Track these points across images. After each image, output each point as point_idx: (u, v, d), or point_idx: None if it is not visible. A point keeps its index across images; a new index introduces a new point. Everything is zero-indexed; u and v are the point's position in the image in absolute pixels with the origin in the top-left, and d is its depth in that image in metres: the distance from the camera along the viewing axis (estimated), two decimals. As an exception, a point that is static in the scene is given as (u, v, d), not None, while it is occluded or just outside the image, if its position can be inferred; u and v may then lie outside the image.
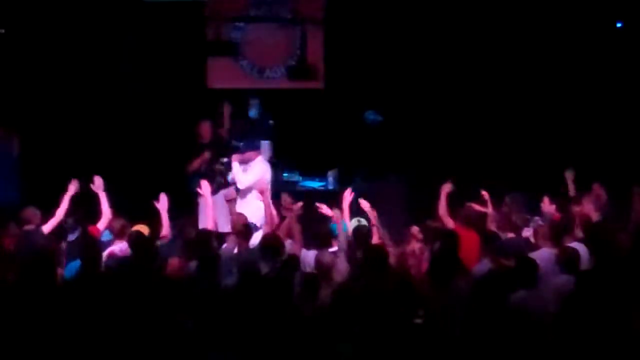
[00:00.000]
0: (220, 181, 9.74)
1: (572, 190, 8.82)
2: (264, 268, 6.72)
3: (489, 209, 8.26)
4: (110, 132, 11.07)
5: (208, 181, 9.23)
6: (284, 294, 5.99)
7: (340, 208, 8.06)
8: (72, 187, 8.02)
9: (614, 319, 5.45)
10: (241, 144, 9.64)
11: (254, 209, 8.77)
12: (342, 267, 7.00)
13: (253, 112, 11.04)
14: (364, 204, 7.98)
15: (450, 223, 8.03)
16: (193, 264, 6.94)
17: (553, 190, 8.88)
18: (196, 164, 9.75)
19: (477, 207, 8.29)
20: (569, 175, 8.91)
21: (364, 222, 7.88)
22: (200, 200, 9.54)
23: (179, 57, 11.40)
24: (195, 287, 6.21)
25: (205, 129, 9.89)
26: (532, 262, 6.49)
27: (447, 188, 8.28)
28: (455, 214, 8.12)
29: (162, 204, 7.85)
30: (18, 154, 9.69)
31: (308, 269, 7.02)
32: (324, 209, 8.10)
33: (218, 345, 5.35)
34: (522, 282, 6.23)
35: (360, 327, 5.48)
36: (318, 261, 6.77)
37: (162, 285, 6.06)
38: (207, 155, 9.73)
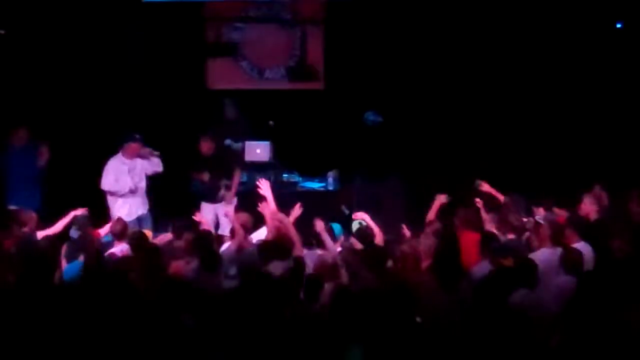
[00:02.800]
0: (225, 194, 9.79)
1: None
2: (276, 269, 6.67)
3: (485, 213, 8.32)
4: (110, 132, 11.05)
5: (211, 194, 9.36)
6: (291, 295, 5.99)
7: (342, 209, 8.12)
8: (79, 211, 8.18)
9: (616, 320, 5.45)
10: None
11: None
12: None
13: (229, 113, 11.12)
14: (359, 215, 8.06)
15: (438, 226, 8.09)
16: (194, 264, 6.94)
17: (552, 190, 8.90)
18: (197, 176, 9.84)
19: (482, 189, 8.31)
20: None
21: (365, 224, 7.90)
22: (205, 205, 9.62)
23: (178, 58, 11.40)
24: (197, 287, 6.21)
25: (206, 145, 9.85)
26: (531, 262, 6.50)
27: (441, 199, 8.39)
28: (454, 215, 8.14)
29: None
30: (45, 163, 9.74)
31: (308, 270, 7.01)
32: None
33: (220, 345, 5.34)
34: (523, 282, 6.24)
35: (362, 327, 5.47)
36: (321, 261, 6.76)
37: (164, 285, 6.05)
38: (205, 177, 9.76)
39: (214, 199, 9.79)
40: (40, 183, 9.69)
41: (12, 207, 8.86)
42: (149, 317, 5.57)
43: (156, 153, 9.70)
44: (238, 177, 10.01)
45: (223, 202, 9.71)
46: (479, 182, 8.86)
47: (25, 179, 9.49)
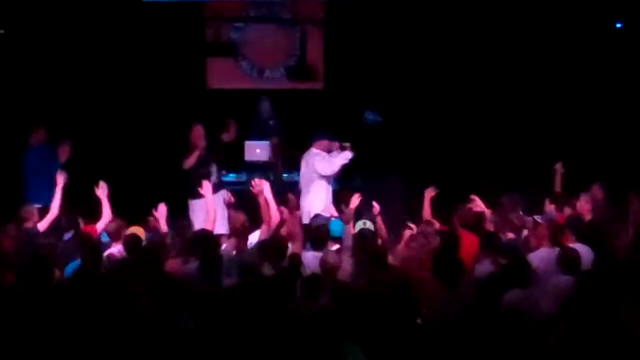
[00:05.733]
0: (215, 182, 9.74)
1: (557, 185, 8.80)
2: (268, 269, 6.68)
3: (485, 210, 8.35)
4: (109, 132, 11.07)
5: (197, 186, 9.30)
6: (286, 295, 5.98)
7: (342, 209, 8.13)
8: (61, 179, 8.23)
9: (613, 320, 5.46)
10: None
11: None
12: (346, 266, 7.00)
13: (264, 112, 11.12)
14: (375, 207, 8.07)
15: (436, 225, 8.11)
16: (193, 265, 6.93)
17: (552, 190, 8.90)
18: (192, 159, 9.70)
19: (474, 207, 8.31)
20: (559, 169, 8.91)
21: (369, 224, 7.89)
22: (193, 203, 9.54)
23: (178, 57, 11.40)
24: (196, 288, 6.20)
25: (198, 132, 9.82)
26: (524, 261, 6.51)
27: (430, 193, 8.48)
28: (452, 215, 8.14)
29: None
30: (65, 160, 9.77)
31: (307, 270, 7.01)
32: None
33: (219, 346, 5.34)
34: (516, 281, 6.26)
35: (361, 327, 5.47)
36: (323, 261, 6.76)
37: (162, 286, 6.04)
38: (202, 145, 9.70)
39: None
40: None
41: (36, 205, 8.89)
42: (147, 318, 5.57)
43: (347, 145, 9.73)
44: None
45: (216, 196, 9.65)
46: (472, 197, 8.80)
47: (45, 178, 9.56)
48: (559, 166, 8.94)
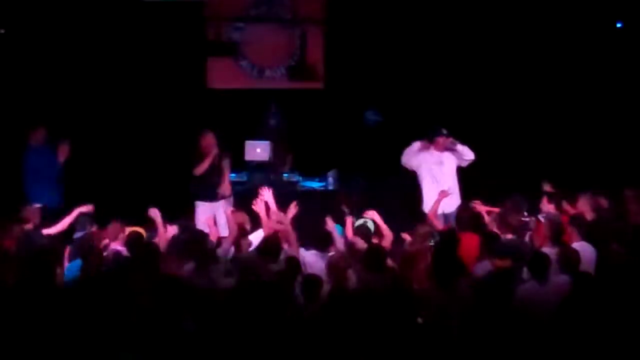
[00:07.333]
0: (224, 193, 9.68)
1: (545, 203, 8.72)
2: (267, 270, 6.67)
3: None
4: (109, 132, 11.07)
5: (210, 192, 9.28)
6: (285, 296, 5.98)
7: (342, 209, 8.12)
8: (85, 208, 8.20)
9: (611, 319, 5.47)
10: None
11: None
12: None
13: (274, 119, 11.10)
14: (370, 213, 8.04)
15: (439, 225, 8.12)
16: (190, 265, 6.94)
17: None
18: (205, 165, 9.60)
19: (476, 207, 8.32)
20: (546, 187, 8.87)
21: (366, 221, 7.88)
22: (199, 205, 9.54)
23: (178, 57, 11.40)
24: (194, 288, 6.20)
25: (210, 140, 9.67)
26: (546, 256, 6.55)
27: (443, 195, 8.54)
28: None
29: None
30: (65, 160, 9.75)
31: (309, 270, 7.01)
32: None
33: (218, 346, 5.34)
34: (534, 275, 6.36)
35: (359, 327, 5.47)
36: (330, 264, 6.75)
37: (162, 286, 6.04)
38: (214, 152, 9.61)
39: (213, 197, 9.62)
40: (60, 181, 9.73)
41: (36, 205, 8.88)
42: (148, 317, 5.57)
43: (457, 143, 9.70)
44: (227, 168, 9.87)
45: (222, 201, 9.62)
46: (472, 203, 8.80)
47: (45, 178, 9.57)
48: (547, 187, 8.87)
